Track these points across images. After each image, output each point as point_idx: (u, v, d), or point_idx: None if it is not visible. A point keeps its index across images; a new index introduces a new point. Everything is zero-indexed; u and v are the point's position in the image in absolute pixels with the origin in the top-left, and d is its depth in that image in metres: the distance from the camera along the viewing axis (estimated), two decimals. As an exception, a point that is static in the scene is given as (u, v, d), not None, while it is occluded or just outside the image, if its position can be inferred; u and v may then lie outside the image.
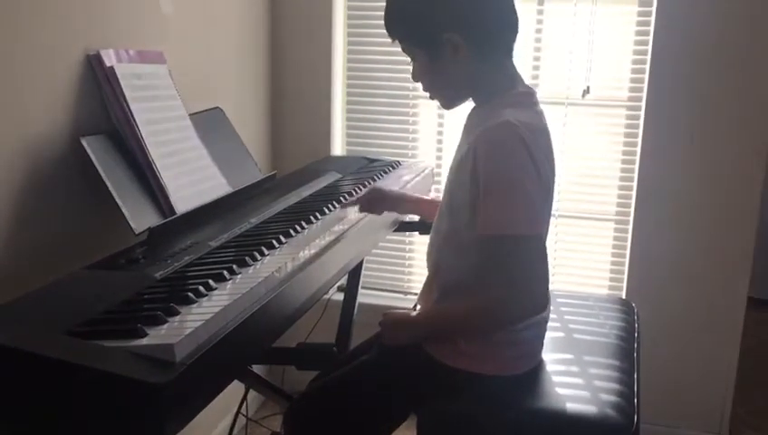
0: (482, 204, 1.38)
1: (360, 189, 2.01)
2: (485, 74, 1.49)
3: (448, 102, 1.57)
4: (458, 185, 1.46)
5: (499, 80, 1.50)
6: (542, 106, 1.53)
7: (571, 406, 1.45)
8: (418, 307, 1.64)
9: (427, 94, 1.56)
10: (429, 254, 1.59)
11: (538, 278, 1.38)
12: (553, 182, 1.49)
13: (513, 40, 1.51)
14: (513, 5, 1.50)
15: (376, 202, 1.82)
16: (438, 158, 2.73)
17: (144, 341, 1.04)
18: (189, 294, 1.19)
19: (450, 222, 1.50)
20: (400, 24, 1.50)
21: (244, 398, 2.19)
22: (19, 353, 1.00)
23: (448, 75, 1.49)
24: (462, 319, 1.48)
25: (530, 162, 1.37)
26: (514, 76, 1.52)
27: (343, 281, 2.20)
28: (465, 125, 1.55)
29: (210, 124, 1.98)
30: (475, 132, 1.44)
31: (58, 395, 1.00)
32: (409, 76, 1.56)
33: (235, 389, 1.86)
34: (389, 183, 2.13)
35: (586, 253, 2.70)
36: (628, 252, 2.60)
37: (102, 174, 1.54)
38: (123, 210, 1.54)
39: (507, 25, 1.50)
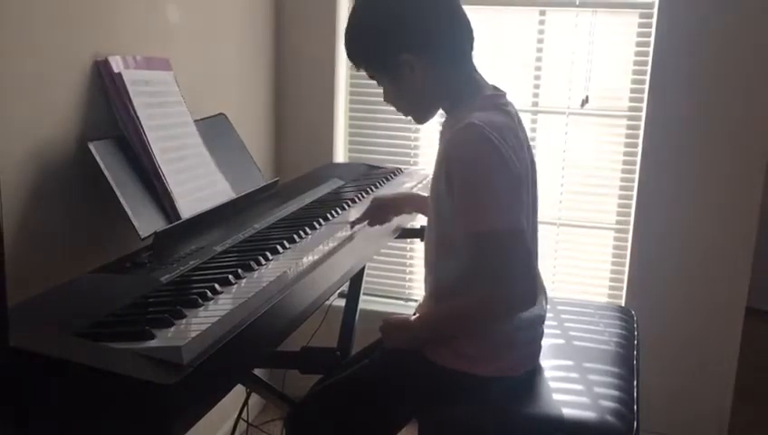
0: (457, 206, 1.42)
1: (363, 196, 2.03)
2: (447, 85, 1.53)
3: (419, 117, 1.61)
4: (438, 191, 1.50)
5: (462, 87, 1.53)
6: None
7: (571, 412, 1.47)
8: (417, 314, 1.65)
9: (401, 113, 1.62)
10: (426, 260, 1.62)
11: (520, 273, 1.40)
12: (527, 178, 1.50)
13: (470, 47, 1.54)
14: (462, 12, 1.52)
15: (381, 212, 1.84)
16: (440, 166, 2.74)
17: (152, 343, 1.05)
18: (196, 297, 1.21)
19: (438, 228, 1.54)
20: (357, 52, 1.56)
21: (245, 403, 2.20)
22: (28, 354, 1.01)
23: (412, 93, 1.53)
24: (455, 318, 1.50)
25: (497, 159, 1.39)
26: (478, 81, 1.55)
27: (344, 287, 2.22)
28: (440, 135, 1.58)
29: (214, 130, 2.00)
30: (445, 140, 1.49)
31: (66, 396, 1.02)
32: None
33: (236, 394, 1.87)
34: (390, 190, 2.14)
35: (586, 261, 2.72)
36: (627, 260, 2.61)
37: (109, 179, 1.56)
38: (129, 215, 1.56)
39: (458, 35, 1.52)
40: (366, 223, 1.78)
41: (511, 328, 1.50)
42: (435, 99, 1.56)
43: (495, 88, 1.56)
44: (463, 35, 1.52)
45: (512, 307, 1.44)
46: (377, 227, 1.82)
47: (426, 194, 2.03)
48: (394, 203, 1.89)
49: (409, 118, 1.62)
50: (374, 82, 2.75)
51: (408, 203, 1.92)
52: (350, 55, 1.57)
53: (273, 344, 1.33)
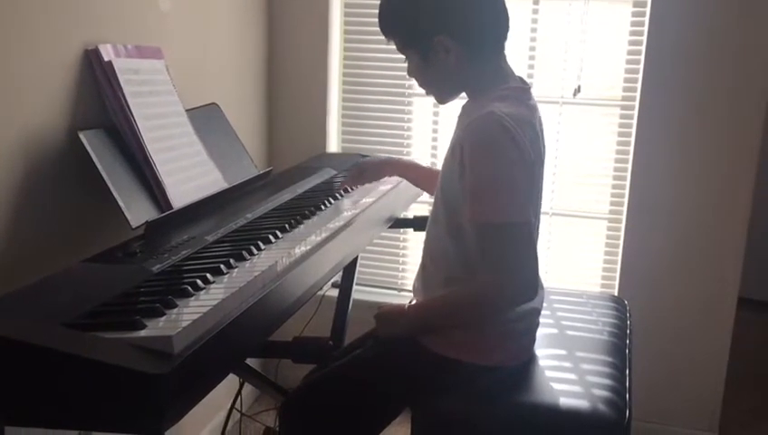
0: (469, 193, 1.42)
1: (356, 187, 2.03)
2: (476, 71, 1.53)
3: (442, 98, 1.63)
4: (449, 176, 1.50)
5: (490, 76, 1.54)
6: (536, 103, 1.56)
7: (564, 401, 1.47)
8: (414, 301, 1.65)
9: (422, 90, 1.62)
10: (427, 245, 1.61)
11: (525, 265, 1.41)
12: (540, 173, 1.51)
13: (504, 37, 1.55)
14: (503, 3, 1.53)
15: (364, 175, 1.93)
16: (433, 155, 2.74)
17: (142, 332, 1.05)
18: (187, 287, 1.20)
19: (446, 213, 1.54)
20: (393, 26, 1.55)
21: (239, 393, 2.19)
22: (18, 345, 1.01)
23: (440, 73, 1.54)
24: (453, 307, 1.51)
25: (514, 150, 1.40)
26: (506, 71, 1.56)
27: (337, 277, 2.21)
28: (458, 118, 1.59)
29: (207, 120, 1.99)
30: (463, 125, 1.49)
31: (58, 386, 1.01)
32: (405, 74, 1.63)
33: (229, 384, 1.87)
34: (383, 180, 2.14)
35: (579, 251, 2.72)
36: (620, 250, 2.61)
37: (100, 168, 1.55)
38: (120, 204, 1.55)
39: (497, 25, 1.53)
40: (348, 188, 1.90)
41: (506, 319, 1.51)
42: (462, 83, 1.56)
43: (522, 80, 1.57)
44: (501, 24, 1.53)
45: (512, 298, 1.44)
46: (372, 214, 1.83)
47: (408, 160, 2.08)
48: (376, 166, 1.95)
49: (431, 96, 1.63)
50: (368, 72, 2.78)
51: (391, 167, 1.97)
52: (383, 27, 1.56)
53: (265, 334, 1.33)
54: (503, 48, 1.55)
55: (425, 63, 1.53)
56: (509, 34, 1.55)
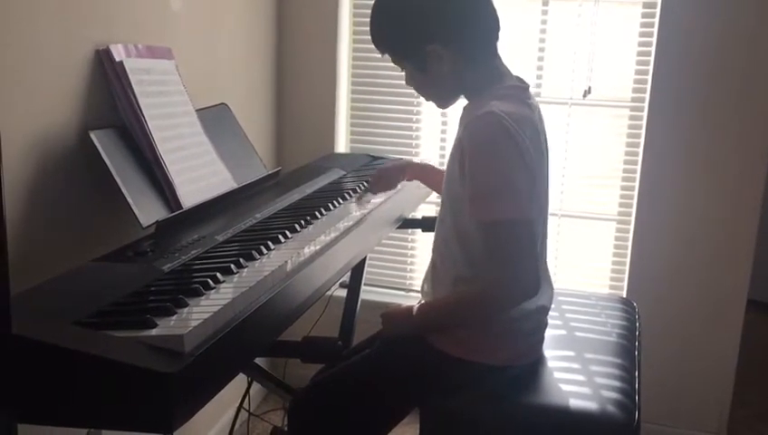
0: (469, 192, 1.43)
1: (364, 186, 2.03)
2: (472, 74, 1.54)
3: (441, 103, 1.64)
4: (452, 177, 1.51)
5: (486, 77, 1.54)
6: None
7: (573, 402, 1.47)
8: (422, 301, 1.65)
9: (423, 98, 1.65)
10: (435, 245, 1.62)
11: (526, 263, 1.42)
12: (541, 171, 1.51)
13: (496, 38, 1.55)
14: (491, 5, 1.53)
15: (384, 181, 1.92)
16: (441, 156, 2.74)
17: (153, 331, 1.05)
18: (198, 286, 1.20)
19: (451, 213, 1.54)
20: (383, 40, 1.57)
21: (247, 392, 2.20)
22: (30, 343, 1.01)
23: (437, 81, 1.55)
24: (457, 306, 1.51)
25: (513, 148, 1.40)
26: (502, 71, 1.57)
27: (346, 277, 2.22)
28: (460, 119, 1.59)
29: (216, 120, 1.99)
30: (463, 125, 1.50)
31: (69, 385, 1.02)
32: None
33: (237, 384, 1.88)
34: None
35: (588, 252, 2.72)
36: (629, 251, 2.61)
37: (111, 168, 1.56)
38: (131, 204, 1.56)
39: (486, 27, 1.53)
40: (372, 194, 1.88)
41: (510, 318, 1.51)
42: (459, 87, 1.57)
43: (519, 79, 1.58)
44: (491, 27, 1.53)
45: (515, 296, 1.44)
46: (381, 215, 1.84)
47: (425, 162, 2.09)
48: (395, 172, 1.95)
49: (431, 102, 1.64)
50: (376, 72, 2.78)
51: (410, 171, 1.97)
52: (375, 42, 1.58)
53: (274, 334, 1.33)
54: (496, 48, 1.56)
55: (420, 73, 1.55)
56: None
